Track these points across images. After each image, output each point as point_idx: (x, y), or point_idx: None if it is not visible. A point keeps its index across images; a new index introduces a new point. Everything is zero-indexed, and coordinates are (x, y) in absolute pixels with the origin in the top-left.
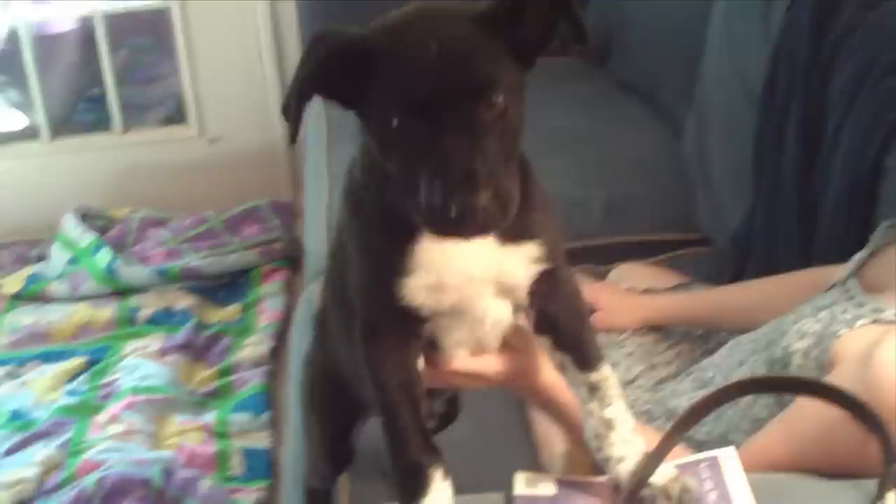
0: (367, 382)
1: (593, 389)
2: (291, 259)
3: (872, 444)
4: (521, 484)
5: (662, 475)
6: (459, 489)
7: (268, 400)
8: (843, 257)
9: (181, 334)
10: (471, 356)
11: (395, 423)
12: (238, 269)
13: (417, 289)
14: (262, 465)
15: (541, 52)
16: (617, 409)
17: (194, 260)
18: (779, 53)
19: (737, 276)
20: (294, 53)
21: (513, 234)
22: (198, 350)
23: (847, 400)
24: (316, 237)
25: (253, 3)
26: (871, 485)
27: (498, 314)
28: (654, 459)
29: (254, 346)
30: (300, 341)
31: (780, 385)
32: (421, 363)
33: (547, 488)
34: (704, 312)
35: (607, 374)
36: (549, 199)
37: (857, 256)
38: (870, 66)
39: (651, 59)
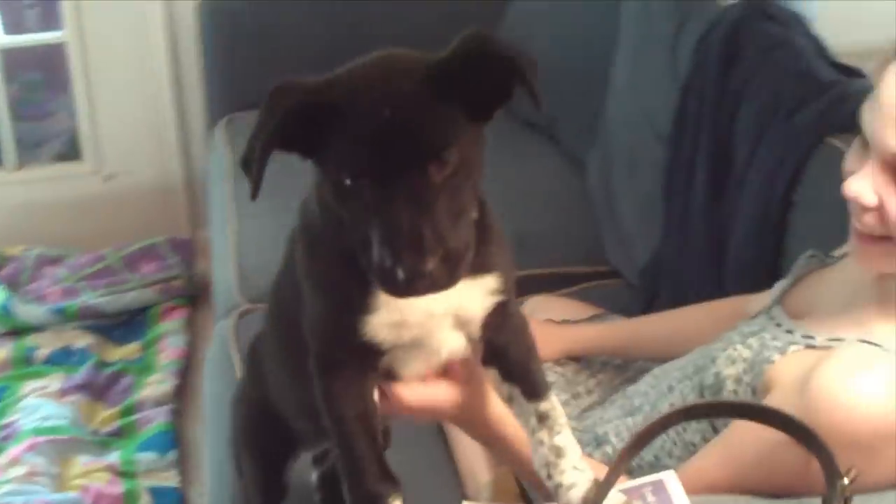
0: (321, 415)
1: (542, 418)
2: (191, 296)
3: (814, 465)
4: None
5: (613, 500)
6: None
7: (174, 439)
8: (753, 287)
9: (81, 374)
10: (422, 384)
11: (353, 454)
12: (137, 307)
13: (380, 326)
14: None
15: (499, 107)
16: (566, 438)
17: (92, 298)
18: (687, 92)
19: (647, 308)
20: (193, 91)
21: (472, 268)
22: (98, 390)
23: (790, 423)
24: (225, 273)
25: (151, 39)
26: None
27: (454, 346)
28: (605, 485)
29: (156, 385)
30: (214, 379)
31: (724, 409)
32: (375, 394)
33: None
34: (625, 342)
35: (555, 403)
36: (503, 231)
37: (780, 285)
38: (773, 107)
39: (553, 99)
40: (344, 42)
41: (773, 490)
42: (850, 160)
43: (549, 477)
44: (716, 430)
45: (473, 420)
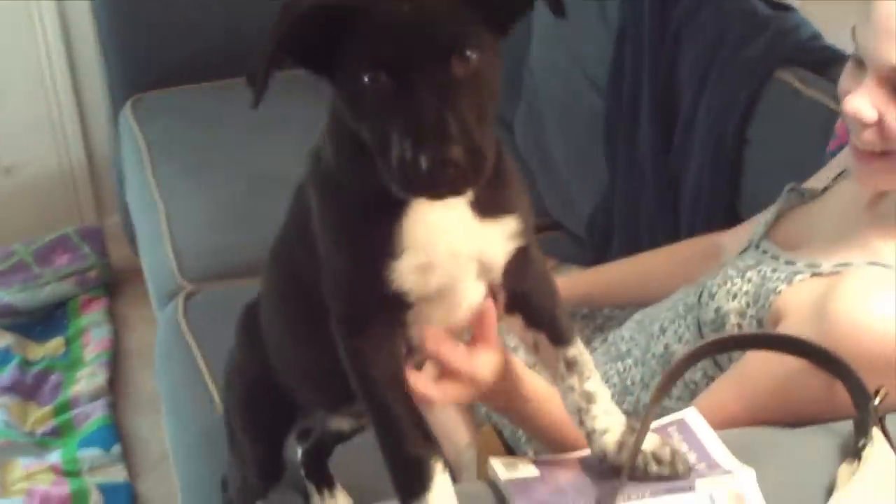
0: (350, 379)
1: (571, 364)
2: (108, 285)
3: (837, 389)
4: (502, 469)
5: (649, 442)
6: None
7: (115, 433)
8: (711, 227)
9: (6, 375)
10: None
11: (389, 417)
12: (54, 301)
13: (407, 270)
14: (124, 499)
15: (517, 19)
16: (595, 383)
17: (6, 296)
18: (622, 38)
19: (600, 257)
20: (90, 73)
21: (492, 209)
22: (27, 390)
23: (816, 350)
24: (158, 258)
25: (42, 23)
26: (841, 427)
27: (475, 297)
28: (643, 426)
29: (88, 379)
30: (168, 367)
31: (749, 341)
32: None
33: (529, 470)
34: (593, 291)
35: (582, 349)
36: (519, 174)
37: (762, 219)
38: (718, 44)
39: None
40: (249, 9)
41: (793, 419)
42: (844, 81)
43: (582, 423)
44: (719, 367)
45: (508, 386)
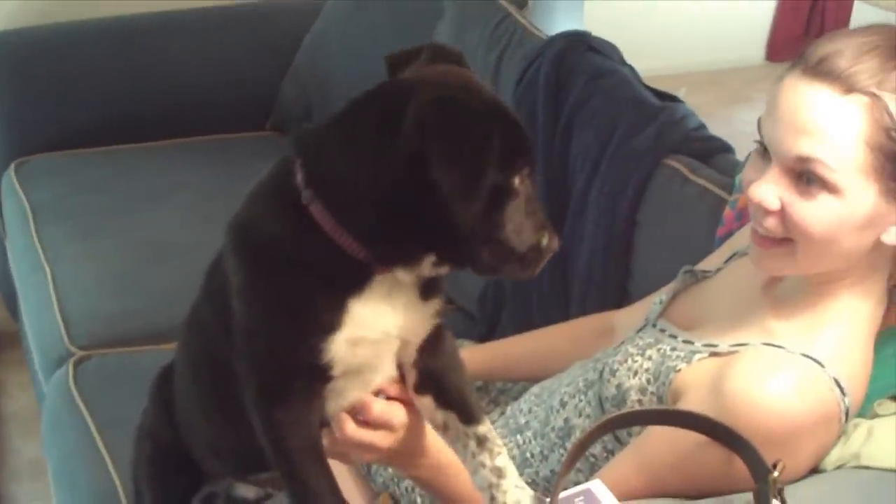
0: (267, 449)
1: (481, 442)
2: None
3: (735, 463)
4: None
5: None
6: None
7: None
8: (602, 306)
9: None
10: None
11: (307, 488)
12: None
13: (339, 342)
14: None
15: None
16: (504, 458)
17: None
18: None
19: (489, 333)
20: None
21: (429, 290)
22: None
23: (716, 426)
24: (45, 323)
25: None
26: (739, 499)
27: (388, 374)
28: (553, 498)
29: None
30: (57, 434)
31: (650, 417)
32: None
33: None
34: (490, 365)
35: (490, 426)
36: None
37: (659, 300)
38: (609, 131)
39: None
40: (136, 78)
41: (693, 492)
42: (748, 171)
43: (493, 498)
44: (619, 441)
45: (415, 448)
